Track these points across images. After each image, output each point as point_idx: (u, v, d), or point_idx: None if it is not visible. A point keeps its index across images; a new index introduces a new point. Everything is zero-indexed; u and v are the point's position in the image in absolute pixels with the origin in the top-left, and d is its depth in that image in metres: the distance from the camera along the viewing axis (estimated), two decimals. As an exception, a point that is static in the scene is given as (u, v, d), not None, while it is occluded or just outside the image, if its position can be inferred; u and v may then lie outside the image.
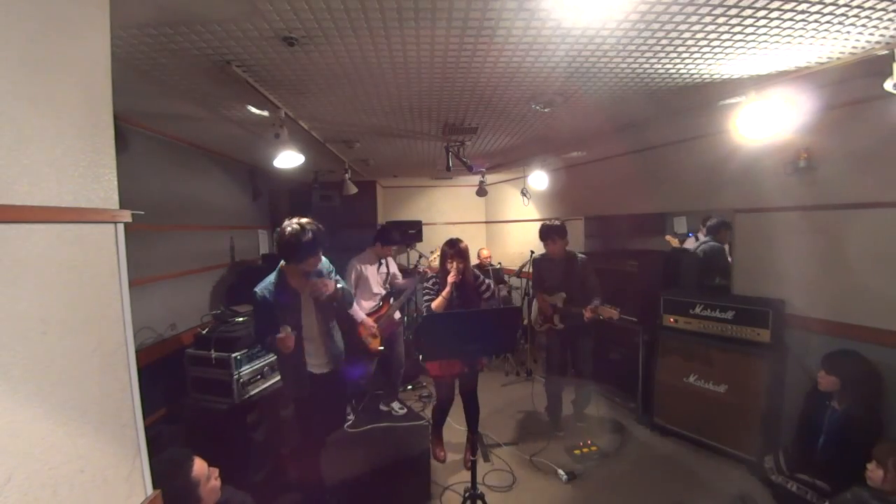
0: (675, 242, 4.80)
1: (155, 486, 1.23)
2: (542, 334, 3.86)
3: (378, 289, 3.90)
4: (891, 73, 1.81)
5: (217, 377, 2.91)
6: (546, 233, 3.58)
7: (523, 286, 5.53)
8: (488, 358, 5.31)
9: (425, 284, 3.17)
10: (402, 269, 4.41)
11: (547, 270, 3.72)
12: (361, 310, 3.76)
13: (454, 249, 3.02)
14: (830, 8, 1.55)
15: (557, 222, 3.59)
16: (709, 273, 4.01)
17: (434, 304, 3.00)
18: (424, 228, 6.79)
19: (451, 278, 2.96)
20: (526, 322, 4.98)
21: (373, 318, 3.77)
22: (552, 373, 3.75)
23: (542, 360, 5.03)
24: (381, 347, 3.78)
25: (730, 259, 3.71)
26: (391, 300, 3.96)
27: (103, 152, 1.11)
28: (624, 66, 2.09)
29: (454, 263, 2.98)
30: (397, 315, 4.04)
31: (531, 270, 3.88)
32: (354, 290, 3.71)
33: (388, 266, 4.03)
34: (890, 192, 2.45)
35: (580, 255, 3.70)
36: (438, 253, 4.26)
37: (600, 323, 3.43)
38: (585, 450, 3.34)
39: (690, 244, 4.57)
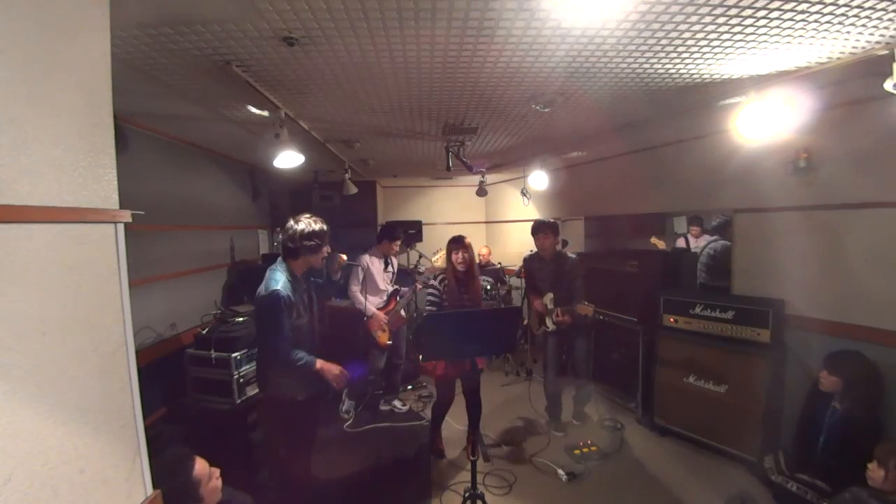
0: (660, 245, 4.79)
1: (156, 486, 1.23)
2: (540, 335, 3.88)
3: (384, 286, 4.04)
4: (891, 73, 1.81)
5: (217, 377, 2.91)
6: (537, 227, 3.62)
7: (523, 286, 5.53)
8: (488, 358, 5.32)
9: (431, 282, 3.19)
10: (401, 270, 4.45)
11: (537, 270, 3.74)
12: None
13: (458, 243, 3.08)
14: (830, 8, 1.55)
15: (551, 220, 3.61)
16: (718, 272, 3.84)
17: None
18: (424, 228, 6.78)
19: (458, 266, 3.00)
20: (526, 322, 4.98)
21: (383, 312, 3.90)
22: (550, 373, 3.75)
23: (541, 361, 5.03)
24: (390, 342, 3.92)
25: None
26: (398, 297, 4.09)
27: (103, 152, 1.11)
28: (624, 66, 2.09)
29: (459, 253, 3.03)
30: (403, 312, 4.16)
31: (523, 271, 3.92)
32: (362, 285, 3.82)
33: (393, 266, 4.16)
34: (890, 192, 2.45)
35: (571, 255, 3.71)
36: (442, 254, 4.34)
37: (600, 323, 3.42)
38: (585, 450, 3.34)
39: (685, 243, 4.56)
